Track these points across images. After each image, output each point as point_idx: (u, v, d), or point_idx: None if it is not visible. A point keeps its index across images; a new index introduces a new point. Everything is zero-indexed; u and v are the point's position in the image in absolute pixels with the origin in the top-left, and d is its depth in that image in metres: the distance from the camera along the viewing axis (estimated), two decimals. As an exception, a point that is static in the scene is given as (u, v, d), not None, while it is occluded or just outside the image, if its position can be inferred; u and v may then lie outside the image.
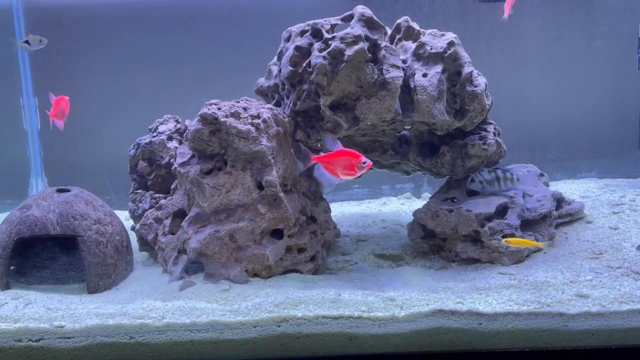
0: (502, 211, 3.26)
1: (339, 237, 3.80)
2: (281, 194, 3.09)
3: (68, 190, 3.29)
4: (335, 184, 2.79)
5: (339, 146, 2.67)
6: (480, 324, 2.33)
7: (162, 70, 5.14)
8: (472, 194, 3.43)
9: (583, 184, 4.80)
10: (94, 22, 5.13)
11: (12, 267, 3.13)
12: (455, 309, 2.39)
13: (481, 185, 3.34)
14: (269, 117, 3.18)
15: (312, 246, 3.22)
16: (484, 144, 3.36)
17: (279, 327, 2.35)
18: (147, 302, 2.66)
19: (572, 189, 4.62)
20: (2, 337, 2.31)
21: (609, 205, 3.92)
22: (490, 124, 3.51)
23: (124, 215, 4.36)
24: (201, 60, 5.11)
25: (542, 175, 3.90)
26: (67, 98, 3.55)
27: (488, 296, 2.57)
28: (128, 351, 2.31)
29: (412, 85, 3.16)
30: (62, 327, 2.37)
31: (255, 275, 3.03)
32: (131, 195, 3.83)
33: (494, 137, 3.41)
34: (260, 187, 3.11)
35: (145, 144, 3.80)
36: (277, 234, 3.16)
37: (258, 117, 3.17)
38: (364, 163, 2.62)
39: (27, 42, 4.04)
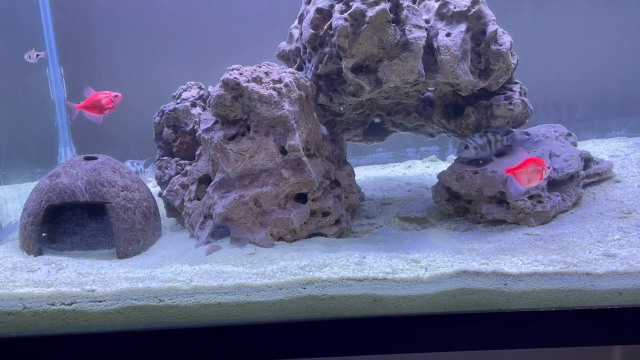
0: (528, 172, 3.21)
1: (364, 201, 3.79)
2: (304, 158, 3.08)
3: (95, 158, 3.32)
4: (523, 191, 2.96)
5: (524, 154, 2.85)
6: (505, 284, 2.31)
7: (185, 37, 5.12)
8: (498, 155, 3.37)
9: (612, 143, 4.68)
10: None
11: (43, 234, 3.19)
12: (480, 270, 2.37)
13: (475, 152, 3.26)
14: (290, 82, 3.15)
15: (336, 210, 3.21)
16: (510, 104, 3.29)
17: (304, 289, 2.37)
18: (175, 266, 2.70)
19: (600, 148, 4.51)
20: (36, 301, 2.37)
21: (639, 164, 3.83)
22: (516, 83, 3.43)
23: (151, 183, 4.41)
24: (224, 26, 5.07)
25: (569, 135, 3.82)
26: (115, 94, 3.52)
27: (514, 257, 2.55)
28: (157, 313, 2.35)
29: (435, 46, 3.09)
30: (93, 291, 2.42)
31: (280, 239, 3.05)
32: (157, 162, 3.86)
33: (520, 97, 3.34)
34: (283, 151, 3.10)
35: (170, 111, 3.81)
36: (301, 198, 3.16)
37: (280, 81, 3.14)
38: (549, 168, 2.84)
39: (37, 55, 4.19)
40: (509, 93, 3.34)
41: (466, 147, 3.27)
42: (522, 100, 3.33)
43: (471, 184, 3.21)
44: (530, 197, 3.09)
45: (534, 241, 2.77)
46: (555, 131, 3.75)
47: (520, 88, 3.40)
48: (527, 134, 3.66)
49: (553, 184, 3.26)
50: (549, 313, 2.25)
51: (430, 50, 3.12)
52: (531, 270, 2.35)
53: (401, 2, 3.07)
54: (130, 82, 5.17)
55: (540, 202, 3.09)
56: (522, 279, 2.32)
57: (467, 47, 3.13)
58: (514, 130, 3.47)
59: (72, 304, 2.36)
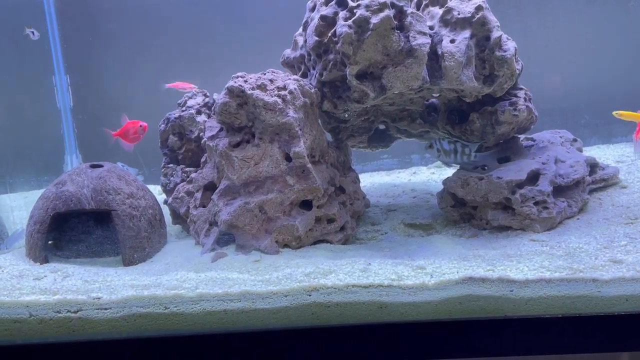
0: (533, 178, 3.20)
1: (369, 207, 3.79)
2: (309, 165, 3.08)
3: (101, 166, 3.34)
4: None
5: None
6: (511, 290, 2.30)
7: (190, 45, 5.15)
8: (503, 161, 3.37)
9: (618, 149, 4.67)
10: (122, -2, 5.15)
11: (49, 242, 3.21)
12: (486, 276, 2.36)
13: (438, 154, 3.29)
14: (295, 89, 3.16)
15: (341, 216, 3.22)
16: (515, 109, 3.29)
17: (310, 296, 2.37)
18: (181, 273, 2.71)
19: (606, 154, 4.50)
20: (42, 308, 2.38)
21: (645, 169, 3.82)
22: (521, 89, 3.42)
23: (156, 190, 4.42)
24: (228, 34, 5.09)
25: (575, 140, 3.81)
26: (144, 125, 3.69)
27: (519, 263, 2.54)
28: (163, 321, 2.35)
29: (439, 52, 3.10)
30: (99, 298, 2.42)
31: (286, 245, 3.05)
32: (163, 170, 3.88)
33: (525, 103, 3.33)
34: (288, 158, 3.11)
35: (175, 118, 3.83)
36: (306, 205, 3.16)
37: (284, 88, 3.15)
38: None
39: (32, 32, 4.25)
40: (514, 99, 3.34)
41: (430, 146, 3.31)
42: (527, 106, 3.33)
43: (477, 190, 3.21)
44: (536, 203, 3.08)
45: (539, 247, 2.76)
46: (560, 137, 3.75)
47: (525, 94, 3.39)
48: (532, 139, 3.66)
49: (559, 190, 3.25)
50: (555, 319, 2.24)
51: (435, 56, 3.12)
52: (537, 277, 2.34)
53: (405, 8, 3.07)
54: (136, 89, 5.19)
55: (546, 208, 3.08)
56: (528, 286, 2.31)
57: (471, 53, 3.13)
58: (487, 148, 3.44)
59: (78, 311, 2.37)
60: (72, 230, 3.34)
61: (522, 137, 3.60)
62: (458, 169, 3.43)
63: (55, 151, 5.29)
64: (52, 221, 3.12)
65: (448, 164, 3.26)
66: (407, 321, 2.30)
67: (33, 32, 4.20)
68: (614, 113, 2.86)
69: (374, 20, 2.98)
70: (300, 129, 3.12)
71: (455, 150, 3.27)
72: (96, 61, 5.30)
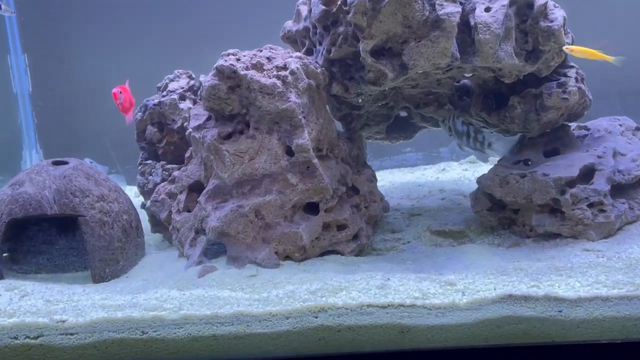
0: (587, 174, 3.19)
1: (388, 212, 3.79)
2: (315, 160, 3.09)
3: (66, 163, 3.35)
4: None
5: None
6: (560, 311, 2.30)
7: (171, 19, 5.16)
8: (550, 154, 3.36)
9: (690, 139, 4.65)
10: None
11: (4, 254, 3.23)
12: (530, 294, 2.36)
13: (450, 133, 3.33)
14: (297, 68, 3.16)
15: (354, 222, 3.22)
16: (564, 92, 3.28)
17: (316, 318, 2.37)
18: (162, 291, 2.71)
19: (676, 145, 4.48)
20: (-5, 333, 2.40)
21: None
22: (571, 67, 3.41)
23: (132, 192, 4.45)
24: (217, 3, 5.10)
25: (638, 129, 3.80)
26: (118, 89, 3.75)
27: (570, 277, 2.53)
28: (140, 348, 2.36)
29: (472, 23, 3.09)
30: (63, 321, 2.43)
31: (287, 257, 3.06)
32: (140, 167, 3.90)
33: (576, 84, 3.32)
34: (289, 152, 3.11)
35: (154, 105, 3.85)
36: (311, 208, 3.17)
37: (285, 68, 3.15)
38: None
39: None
40: (563, 79, 3.32)
41: (443, 121, 3.32)
42: (579, 88, 3.32)
43: (518, 189, 3.20)
44: (591, 205, 3.07)
45: (594, 258, 2.75)
46: (620, 125, 3.73)
47: (577, 73, 3.38)
48: (586, 128, 3.65)
49: (619, 189, 3.24)
50: (613, 346, 2.24)
51: (466, 28, 3.12)
52: (592, 294, 2.34)
53: (430, -30, 3.07)
54: (107, 71, 5.21)
55: (603, 211, 3.07)
56: (580, 305, 2.30)
57: (510, 24, 3.12)
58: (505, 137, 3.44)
59: (38, 337, 2.38)
60: (31, 240, 3.36)
61: (573, 125, 3.58)
62: (495, 165, 3.42)
63: (11, 145, 5.32)
64: (7, 229, 3.14)
65: (460, 147, 3.29)
66: (433, 348, 2.30)
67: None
68: (564, 48, 2.92)
69: (393, -16, 2.98)
70: (304, 117, 3.12)
71: (468, 133, 3.28)
72: (60, 38, 5.32)
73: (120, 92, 3.98)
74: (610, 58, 3.06)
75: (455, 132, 3.31)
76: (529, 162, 3.34)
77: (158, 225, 3.71)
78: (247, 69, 3.12)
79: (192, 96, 3.87)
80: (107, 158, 5.14)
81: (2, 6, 4.28)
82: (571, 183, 3.14)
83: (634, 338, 2.25)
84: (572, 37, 3.34)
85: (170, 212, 3.49)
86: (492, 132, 3.34)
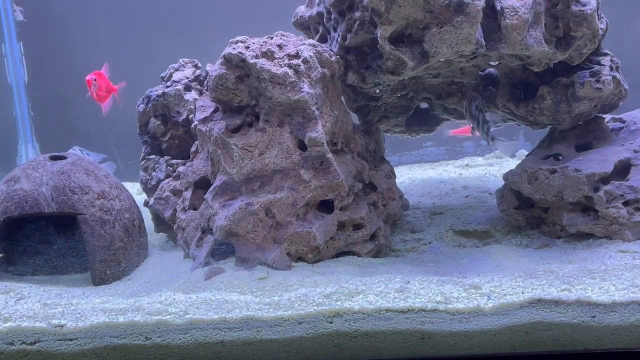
0: (622, 170, 3.18)
1: (407, 210, 3.79)
2: (329, 155, 3.09)
3: (64, 158, 3.37)
4: None
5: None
6: (593, 316, 2.29)
7: (175, 3, 5.17)
8: (582, 148, 3.35)
9: None
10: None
11: (-1, 255, 3.26)
12: (561, 298, 2.35)
13: (466, 113, 3.36)
14: (310, 56, 3.16)
15: (371, 221, 3.22)
16: (597, 81, 3.26)
17: (331, 323, 2.37)
18: (166, 294, 2.72)
19: None
20: (-10, 339, 2.42)
21: None
22: (606, 55, 3.39)
23: (135, 189, 4.47)
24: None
25: (677, 121, 3.77)
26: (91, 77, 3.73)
27: (604, 280, 2.52)
28: (144, 355, 2.37)
29: (498, 7, 3.08)
30: (62, 326, 2.44)
31: (300, 259, 3.06)
32: (142, 163, 3.91)
33: (611, 72, 3.30)
34: (302, 146, 3.12)
35: (158, 96, 3.86)
36: (326, 206, 3.17)
37: (297, 56, 3.15)
38: None
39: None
40: (596, 67, 3.31)
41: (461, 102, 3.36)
42: (614, 77, 3.30)
43: (548, 186, 3.19)
44: (626, 203, 3.06)
45: (631, 260, 2.74)
46: (658, 117, 3.71)
47: (611, 61, 3.36)
48: (621, 121, 3.63)
49: (656, 186, 3.23)
50: (651, 354, 2.23)
51: (492, 12, 3.10)
52: (627, 299, 2.32)
53: (453, -49, 3.06)
54: (108, 60, 5.23)
55: (639, 209, 3.05)
56: (615, 310, 2.29)
57: (539, 8, 3.11)
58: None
59: (35, 342, 2.39)
60: (27, 240, 3.38)
61: (607, 117, 3.56)
62: (523, 160, 3.41)
63: (6, 139, 5.34)
64: (2, 228, 3.16)
65: (472, 133, 3.32)
66: (456, 356, 2.30)
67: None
68: None
69: (413, -34, 2.98)
70: (318, 109, 3.12)
71: (478, 120, 3.29)
72: (58, 25, 5.35)
73: (95, 80, 3.94)
74: None
75: (470, 116, 3.33)
76: (560, 157, 3.33)
77: (162, 224, 3.72)
78: (256, 57, 3.12)
79: (198, 87, 3.87)
80: (109, 153, 5.16)
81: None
82: (605, 179, 3.13)
83: (674, 346, 2.24)
84: (607, 22, 3.32)
85: (175, 210, 3.51)
86: (498, 125, 3.35)
